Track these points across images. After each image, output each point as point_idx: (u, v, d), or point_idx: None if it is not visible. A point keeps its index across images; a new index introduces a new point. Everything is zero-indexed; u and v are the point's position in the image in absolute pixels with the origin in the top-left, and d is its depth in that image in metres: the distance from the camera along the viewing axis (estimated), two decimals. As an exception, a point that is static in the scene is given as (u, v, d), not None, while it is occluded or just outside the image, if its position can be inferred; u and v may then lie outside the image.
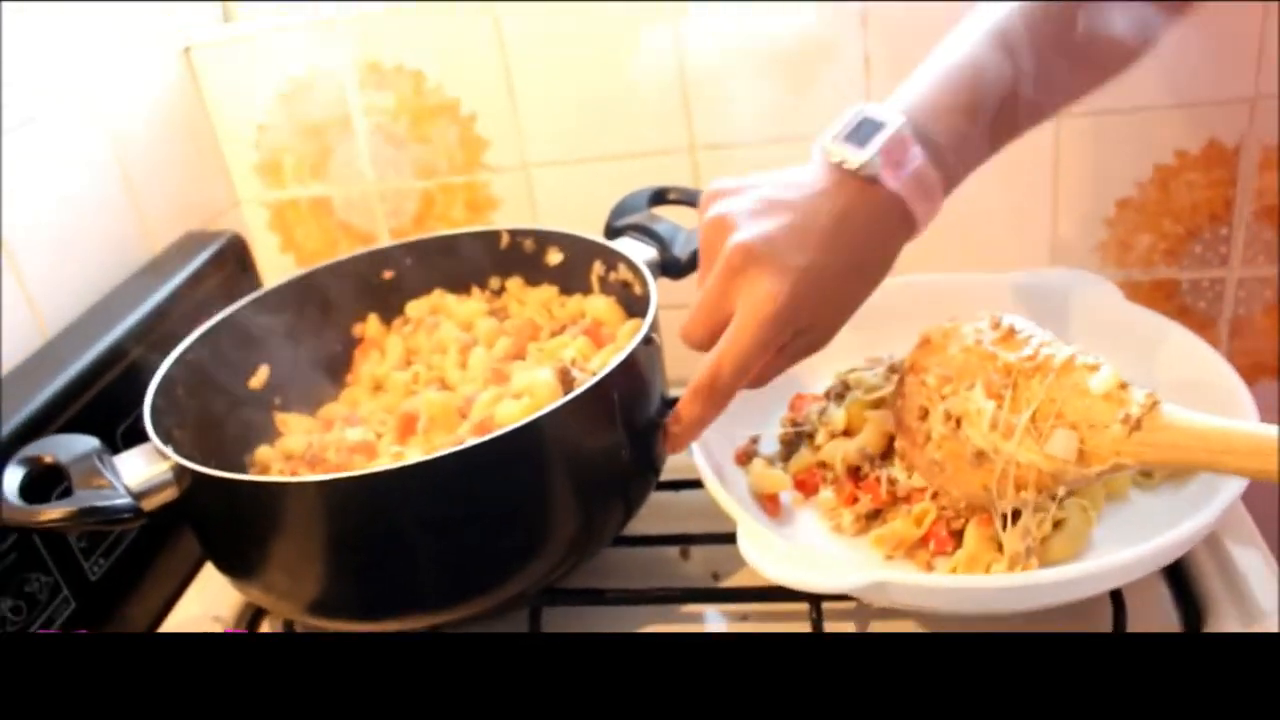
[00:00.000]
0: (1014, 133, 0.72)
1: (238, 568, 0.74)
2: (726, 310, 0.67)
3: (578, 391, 0.68)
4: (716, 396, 0.68)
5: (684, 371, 0.85)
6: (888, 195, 0.65)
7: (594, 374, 0.72)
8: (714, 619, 0.75)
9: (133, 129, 0.97)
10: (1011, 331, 0.61)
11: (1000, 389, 0.59)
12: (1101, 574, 0.63)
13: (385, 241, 1.09)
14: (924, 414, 0.63)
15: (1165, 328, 0.79)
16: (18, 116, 0.85)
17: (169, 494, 0.70)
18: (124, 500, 0.67)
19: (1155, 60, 0.89)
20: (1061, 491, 0.69)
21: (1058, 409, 0.57)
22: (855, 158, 0.65)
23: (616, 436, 0.72)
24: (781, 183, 0.69)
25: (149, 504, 0.69)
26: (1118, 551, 0.62)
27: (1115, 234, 0.98)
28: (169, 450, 0.70)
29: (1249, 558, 0.71)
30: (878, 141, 0.65)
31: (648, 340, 0.73)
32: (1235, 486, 0.65)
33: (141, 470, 0.70)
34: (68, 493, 0.68)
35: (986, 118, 0.68)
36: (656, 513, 0.84)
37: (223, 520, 0.72)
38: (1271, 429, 0.50)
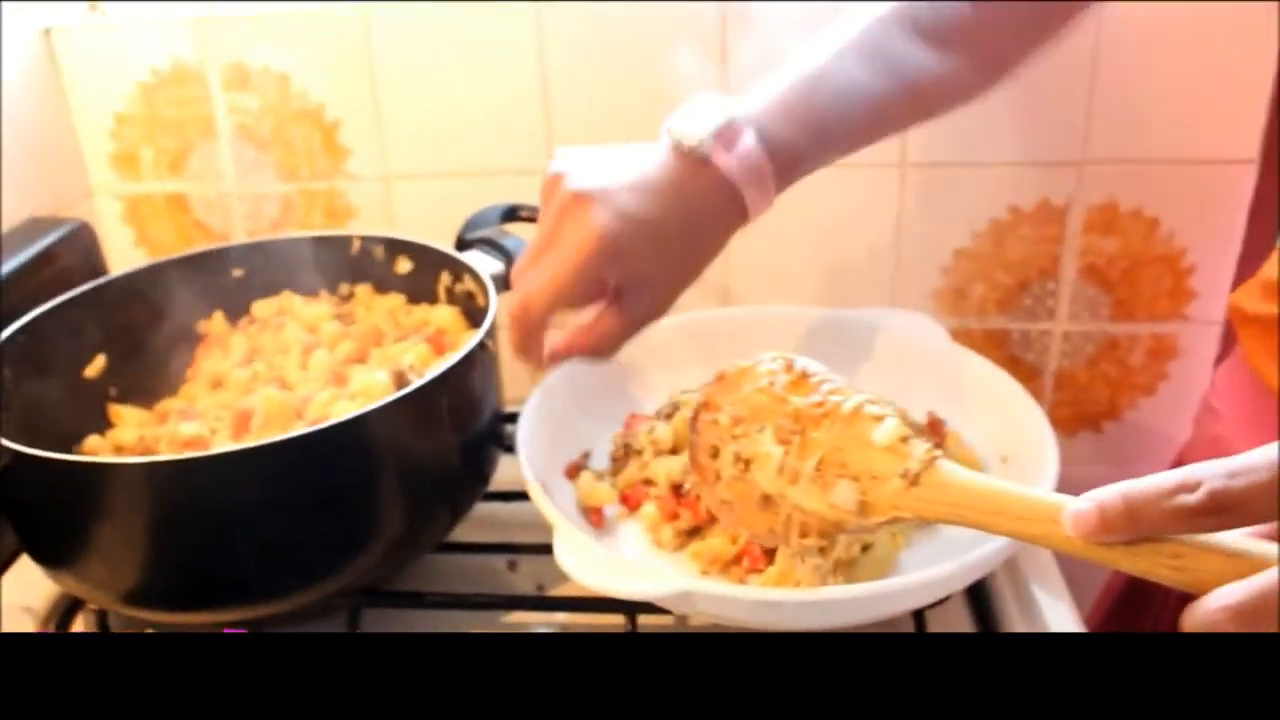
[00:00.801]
0: (860, 139, 0.75)
1: (52, 554, 0.72)
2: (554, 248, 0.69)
3: (406, 390, 0.69)
4: (530, 322, 0.70)
5: (523, 390, 0.87)
6: (719, 176, 0.69)
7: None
8: (534, 628, 0.76)
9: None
10: (804, 376, 0.61)
11: (789, 434, 0.60)
12: (903, 592, 0.65)
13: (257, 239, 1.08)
14: (715, 453, 0.64)
15: (988, 372, 0.83)
16: None
17: (-18, 475, 0.68)
18: (-70, 481, 0.66)
19: (995, 119, 0.95)
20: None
21: (842, 458, 0.58)
22: (691, 136, 0.68)
23: (443, 439, 0.72)
24: (623, 152, 0.72)
25: (-43, 486, 0.67)
26: (912, 574, 0.66)
27: (951, 282, 1.03)
28: (-19, 432, 0.68)
29: (1044, 581, 0.76)
30: (712, 123, 0.68)
31: (482, 346, 0.74)
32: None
33: (-48, 452, 0.68)
34: None
35: (827, 120, 0.71)
36: (487, 523, 0.85)
37: (38, 504, 0.70)
38: (1047, 495, 0.50)
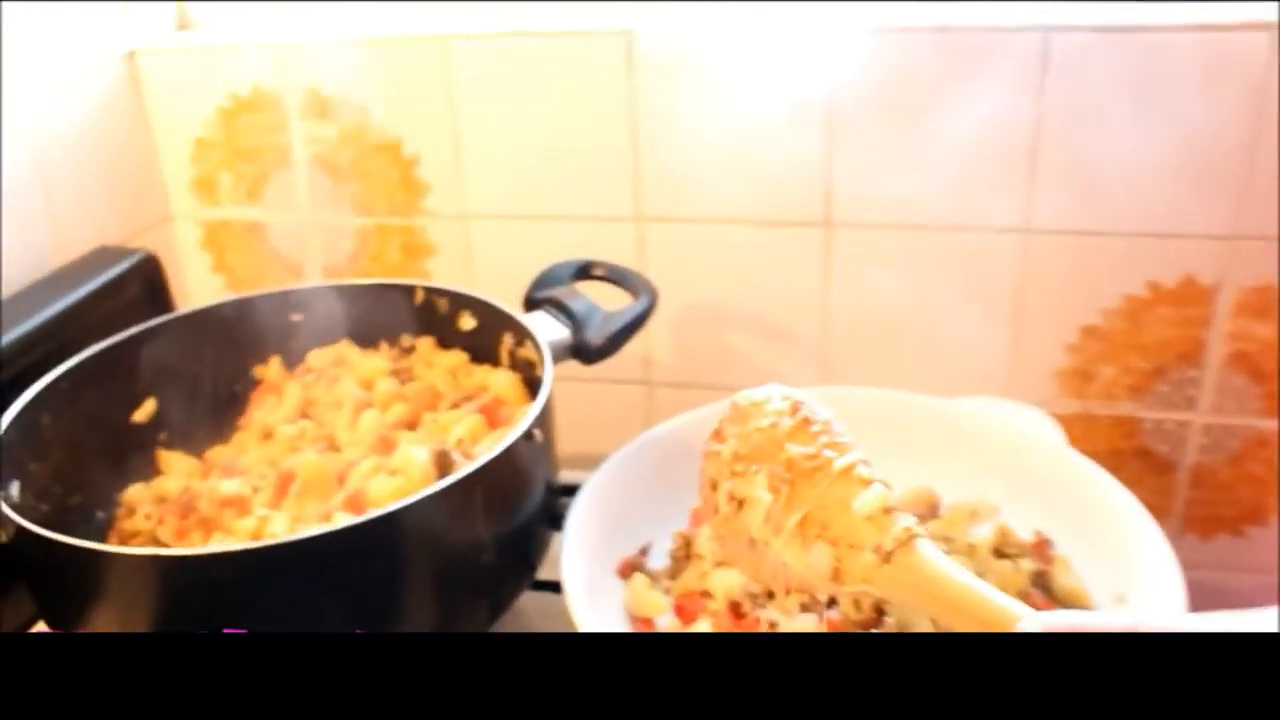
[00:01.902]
0: None
1: (61, 624, 0.68)
2: None
3: (439, 486, 0.63)
4: None
5: (576, 449, 0.80)
6: None
7: (473, 460, 0.66)
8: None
9: (60, 130, 0.92)
10: (806, 422, 0.57)
11: (780, 482, 0.56)
12: None
13: (317, 276, 1.04)
14: (715, 486, 0.59)
15: (1110, 491, 0.73)
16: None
17: (-5, 538, 0.65)
18: (-67, 543, 0.62)
19: (1136, 185, 0.84)
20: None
21: (824, 518, 0.54)
22: None
23: (483, 531, 0.66)
24: None
25: (-34, 545, 0.64)
26: None
27: (1076, 362, 0.92)
28: (-5, 495, 0.64)
29: None
30: None
31: (528, 436, 0.67)
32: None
33: (-33, 510, 0.64)
34: (-118, 523, 0.63)
35: None
36: (537, 613, 0.79)
37: (46, 576, 0.67)
38: (1008, 603, 0.48)
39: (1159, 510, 0.95)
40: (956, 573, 0.50)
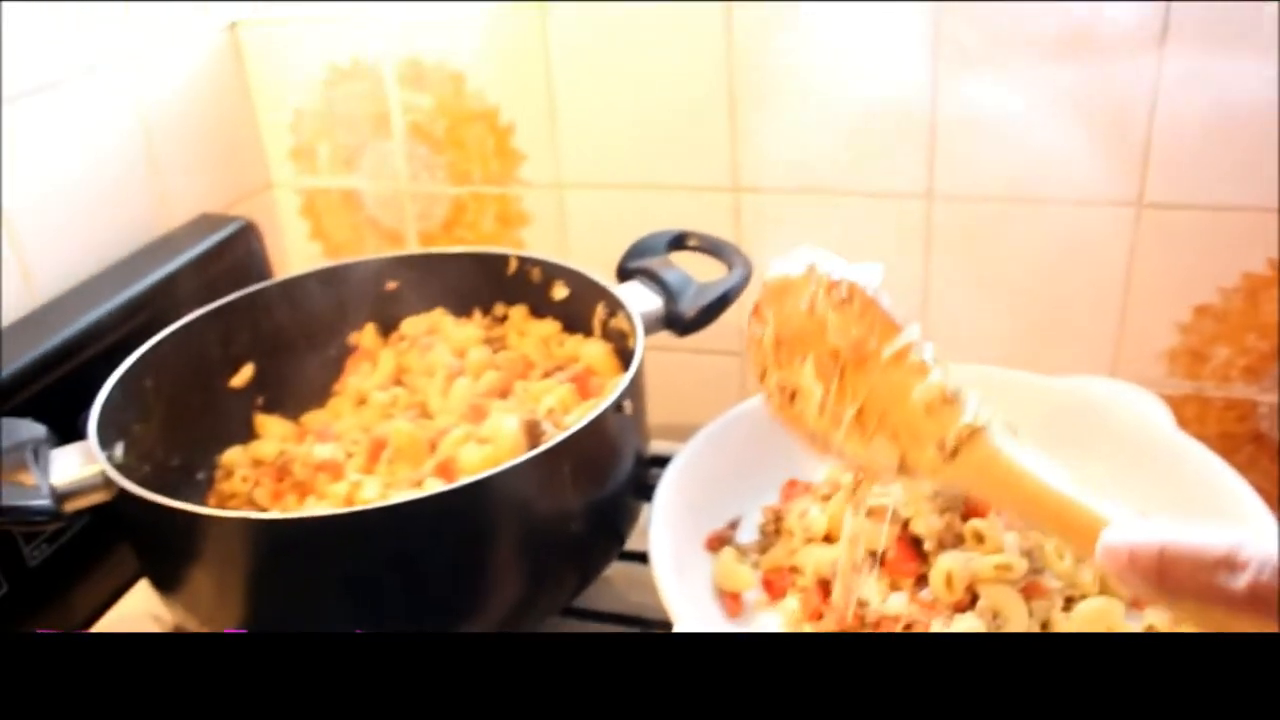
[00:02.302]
0: None
1: (162, 582, 0.70)
2: None
3: (528, 455, 0.62)
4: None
5: (669, 419, 0.79)
6: None
7: (563, 429, 0.66)
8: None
9: (165, 101, 0.94)
10: (846, 302, 0.51)
11: (829, 371, 0.51)
12: None
13: (412, 243, 1.05)
14: (762, 374, 0.54)
15: (1220, 475, 0.69)
16: (41, 80, 0.82)
17: (98, 496, 0.66)
18: (42, 502, 0.64)
19: (1255, 155, 0.80)
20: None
21: (881, 409, 0.49)
22: None
23: (571, 500, 0.66)
24: None
25: (72, 505, 0.65)
26: None
27: (1188, 342, 0.88)
28: (99, 454, 0.66)
29: None
30: None
31: (618, 407, 0.66)
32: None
33: (74, 469, 0.66)
34: (-8, 482, 0.65)
35: None
36: (626, 585, 0.78)
37: (148, 536, 0.68)
38: (1095, 507, 0.43)
39: (1274, 497, 0.91)
40: (1033, 469, 0.45)
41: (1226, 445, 0.90)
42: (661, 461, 0.75)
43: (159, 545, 0.67)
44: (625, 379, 0.68)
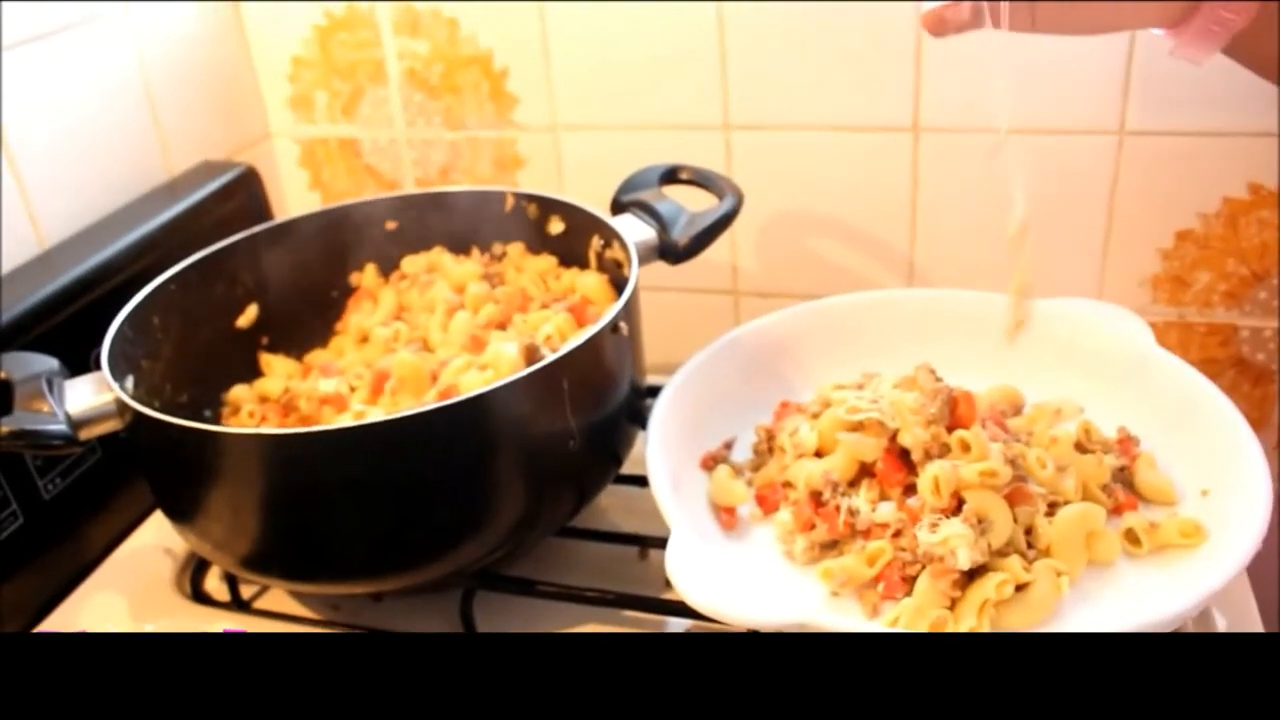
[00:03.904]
0: None
1: (176, 510, 0.72)
2: None
3: (525, 371, 0.65)
4: None
5: (664, 358, 0.81)
6: None
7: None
8: (650, 629, 0.71)
9: (163, 50, 0.95)
10: None
11: None
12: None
13: (410, 190, 1.06)
14: None
15: (1198, 386, 0.72)
16: (41, 28, 0.84)
17: (111, 425, 0.68)
18: (58, 427, 0.66)
19: (1233, 81, 0.82)
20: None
21: None
22: None
23: (569, 419, 0.68)
24: None
25: (87, 433, 0.68)
26: (1080, 627, 0.57)
27: (1171, 268, 0.90)
28: (113, 383, 0.68)
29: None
30: None
31: (613, 328, 0.68)
32: (1237, 556, 0.58)
33: (88, 398, 0.68)
34: (8, 411, 0.67)
35: None
36: (623, 507, 0.81)
37: (162, 461, 0.70)
38: None
39: (1256, 421, 0.94)
40: None
41: (1209, 370, 0.91)
42: (657, 392, 0.78)
43: (172, 470, 0.69)
44: (620, 301, 0.70)
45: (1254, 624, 0.65)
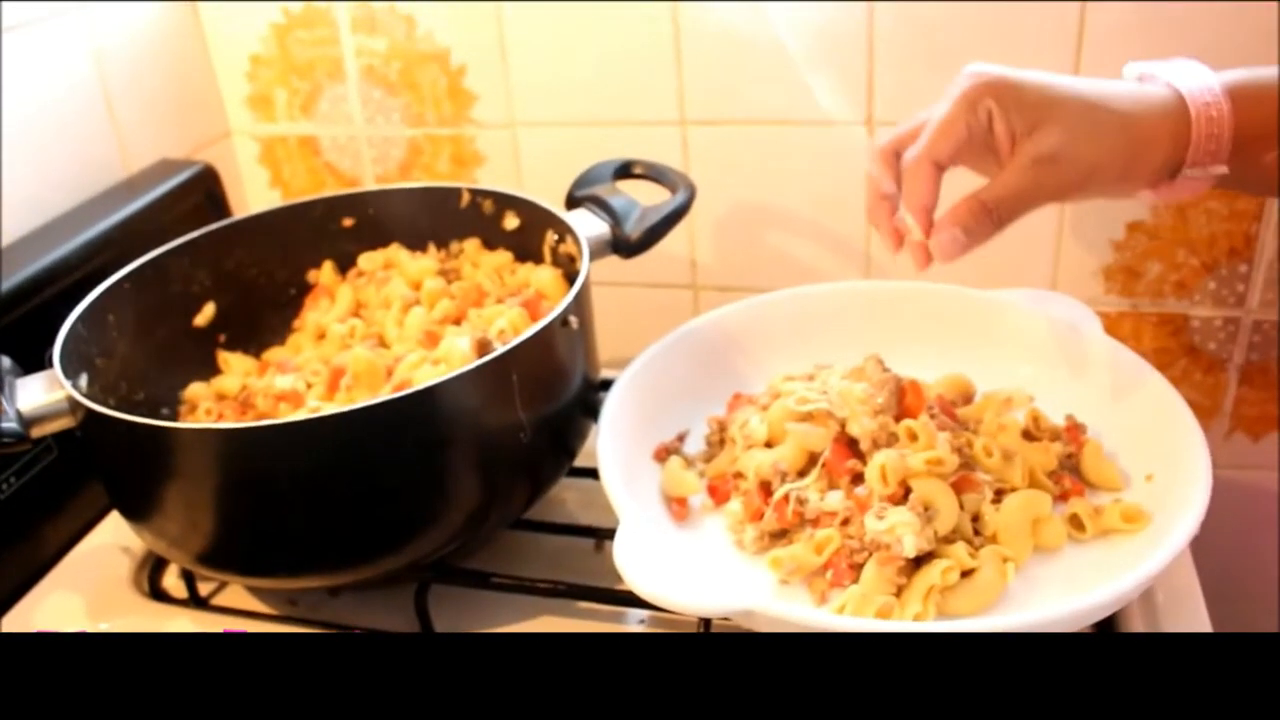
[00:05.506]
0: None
1: (131, 509, 0.72)
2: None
3: (477, 363, 0.65)
4: (887, 172, 0.69)
5: (625, 352, 0.82)
6: (1171, 91, 0.62)
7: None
8: (605, 619, 0.72)
9: (122, 47, 0.95)
10: None
11: None
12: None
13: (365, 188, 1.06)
14: None
15: (1145, 376, 0.73)
16: (2, 23, 0.83)
17: (63, 423, 0.68)
18: (9, 424, 0.66)
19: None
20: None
21: None
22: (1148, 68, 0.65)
23: (520, 412, 0.68)
24: None
25: (39, 431, 0.68)
26: (1024, 611, 0.58)
27: (1122, 259, 0.91)
28: (64, 380, 0.68)
29: (1189, 619, 0.65)
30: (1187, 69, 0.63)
31: (564, 321, 0.69)
32: (1178, 539, 0.59)
33: (39, 396, 0.68)
34: (-44, 408, 0.66)
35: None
36: (578, 500, 0.81)
37: (115, 458, 0.70)
38: None
39: (1208, 409, 0.95)
40: None
41: (1161, 360, 0.93)
42: (602, 386, 0.78)
43: (126, 468, 0.69)
44: (570, 294, 0.70)
45: (1197, 605, 0.66)
